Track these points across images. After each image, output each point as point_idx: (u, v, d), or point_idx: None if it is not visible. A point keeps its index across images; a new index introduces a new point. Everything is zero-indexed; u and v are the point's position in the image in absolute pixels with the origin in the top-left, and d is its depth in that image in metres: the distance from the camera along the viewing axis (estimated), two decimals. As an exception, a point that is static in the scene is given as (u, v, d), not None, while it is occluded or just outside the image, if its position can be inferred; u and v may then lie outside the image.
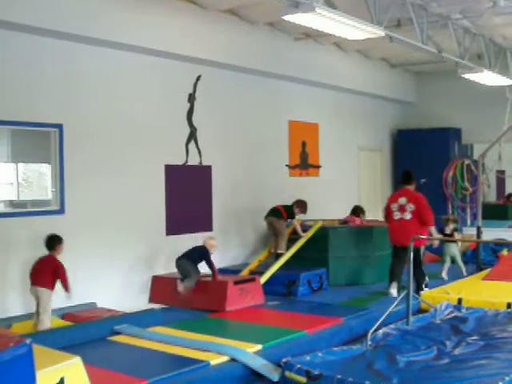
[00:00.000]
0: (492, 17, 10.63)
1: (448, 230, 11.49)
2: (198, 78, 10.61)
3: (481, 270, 11.75)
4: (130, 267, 9.45)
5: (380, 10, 9.15)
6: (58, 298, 8.21)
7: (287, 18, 8.06)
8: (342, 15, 8.00)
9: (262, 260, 11.02)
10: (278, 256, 10.71)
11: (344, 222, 12.02)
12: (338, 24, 8.27)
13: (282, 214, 10.89)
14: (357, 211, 12.11)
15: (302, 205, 11.18)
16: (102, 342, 7.01)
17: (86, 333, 7.14)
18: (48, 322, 7.50)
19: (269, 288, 9.58)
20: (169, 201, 10.19)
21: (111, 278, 9.15)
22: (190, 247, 9.09)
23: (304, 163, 13.27)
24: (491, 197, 18.17)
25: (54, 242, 7.71)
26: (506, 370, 5.76)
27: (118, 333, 7.30)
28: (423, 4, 10.10)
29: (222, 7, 10.17)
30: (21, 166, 8.60)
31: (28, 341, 3.97)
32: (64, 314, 8.04)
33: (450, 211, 15.11)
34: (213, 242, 9.14)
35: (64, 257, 8.42)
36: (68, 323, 7.66)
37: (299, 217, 11.25)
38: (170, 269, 9.68)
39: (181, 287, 8.75)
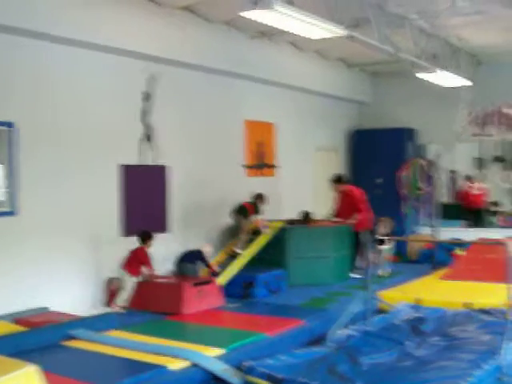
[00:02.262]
0: (449, 17, 10.69)
1: (380, 234, 11.62)
2: (154, 76, 10.41)
3: (436, 269, 11.83)
4: (85, 270, 9.21)
5: (339, 9, 9.07)
6: (9, 303, 8.01)
7: (245, 14, 7.91)
8: (302, 13, 7.90)
9: (220, 261, 10.91)
10: (234, 255, 10.67)
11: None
12: (298, 22, 8.16)
13: (248, 212, 11.04)
14: (307, 218, 11.97)
15: (263, 198, 11.43)
16: (57, 348, 6.80)
17: (40, 338, 6.90)
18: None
19: (226, 290, 9.47)
20: (124, 201, 9.97)
21: (65, 281, 8.89)
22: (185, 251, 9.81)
23: (261, 163, 13.17)
24: (444, 197, 18.34)
25: (145, 236, 9.19)
26: (469, 370, 5.78)
27: (73, 337, 7.10)
28: (381, 3, 10.08)
29: (178, 4, 9.99)
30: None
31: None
32: (16, 319, 7.76)
33: (405, 211, 15.18)
34: (208, 249, 9.97)
35: (16, 260, 8.22)
36: (21, 328, 7.40)
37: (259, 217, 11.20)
38: (126, 271, 9.51)
39: None
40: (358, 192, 12.35)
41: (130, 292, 8.98)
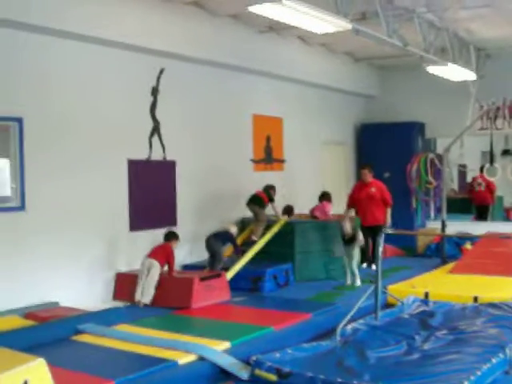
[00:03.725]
0: (457, 11, 10.63)
1: (346, 230, 10.48)
2: (162, 71, 10.42)
3: (445, 263, 11.82)
4: (93, 265, 9.24)
5: (345, 3, 9.03)
6: (19, 297, 8.04)
7: (253, 9, 7.92)
8: (309, 7, 7.88)
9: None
10: (252, 243, 10.79)
11: (313, 214, 11.87)
12: (304, 16, 8.15)
13: (263, 201, 11.16)
14: (326, 197, 11.97)
15: (274, 189, 11.54)
16: (66, 342, 6.85)
17: (49, 333, 6.97)
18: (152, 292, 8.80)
19: (234, 284, 9.49)
20: (132, 196, 9.99)
21: (74, 276, 8.90)
22: (214, 231, 10.25)
23: (269, 157, 13.16)
24: (453, 191, 18.32)
25: (170, 236, 9.37)
26: (477, 364, 5.77)
27: (82, 332, 7.14)
28: (389, -3, 10.06)
29: (186, -1, 10.01)
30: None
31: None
32: (26, 313, 7.79)
33: (414, 205, 15.16)
34: (234, 229, 10.41)
35: (26, 254, 8.24)
36: (31, 323, 7.45)
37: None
38: (134, 265, 9.54)
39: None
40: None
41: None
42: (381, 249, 7.72)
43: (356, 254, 10.33)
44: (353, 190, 12.51)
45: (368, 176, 12.12)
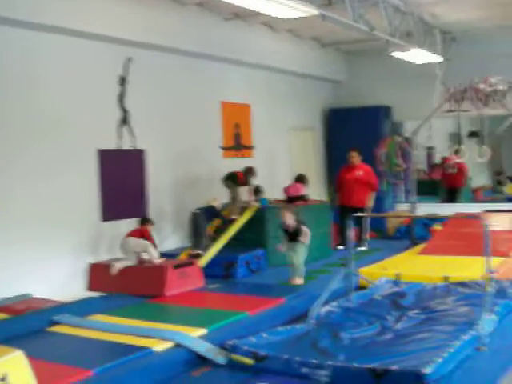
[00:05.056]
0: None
1: (288, 223, 9.25)
2: (129, 60, 10.39)
3: (415, 244, 11.96)
4: (67, 256, 9.23)
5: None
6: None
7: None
8: (275, -7, 7.93)
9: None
10: (230, 221, 10.87)
11: (287, 191, 11.81)
12: (270, 3, 8.19)
13: (239, 179, 11.25)
14: (302, 180, 11.99)
15: (253, 171, 11.58)
16: (42, 334, 6.84)
17: (24, 325, 6.95)
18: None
19: (207, 271, 9.51)
20: (103, 186, 9.97)
21: (48, 268, 8.87)
22: (198, 207, 10.48)
23: (238, 144, 13.20)
24: (421, 173, 18.50)
25: (145, 220, 9.51)
26: (448, 342, 5.87)
27: (57, 323, 7.14)
28: (353, -19, 10.11)
29: (151, -13, 9.97)
30: None
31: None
32: (-1, 306, 7.79)
33: (384, 188, 15.27)
34: (217, 202, 10.65)
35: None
36: (4, 316, 7.42)
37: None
38: (107, 255, 9.55)
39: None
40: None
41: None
42: (350, 232, 7.86)
43: (301, 250, 9.31)
44: (339, 173, 12.85)
45: (355, 159, 12.41)
